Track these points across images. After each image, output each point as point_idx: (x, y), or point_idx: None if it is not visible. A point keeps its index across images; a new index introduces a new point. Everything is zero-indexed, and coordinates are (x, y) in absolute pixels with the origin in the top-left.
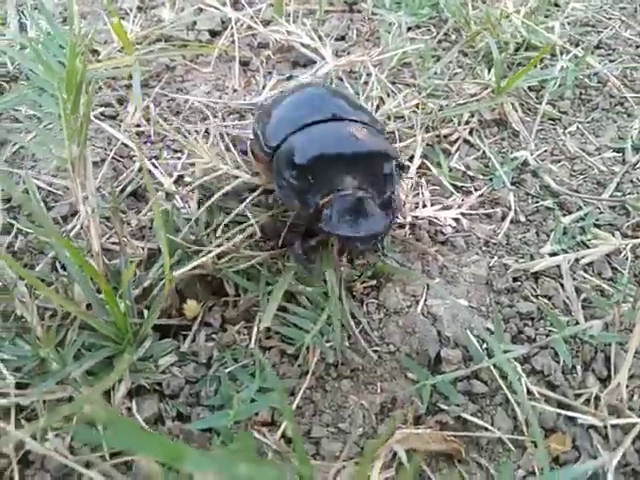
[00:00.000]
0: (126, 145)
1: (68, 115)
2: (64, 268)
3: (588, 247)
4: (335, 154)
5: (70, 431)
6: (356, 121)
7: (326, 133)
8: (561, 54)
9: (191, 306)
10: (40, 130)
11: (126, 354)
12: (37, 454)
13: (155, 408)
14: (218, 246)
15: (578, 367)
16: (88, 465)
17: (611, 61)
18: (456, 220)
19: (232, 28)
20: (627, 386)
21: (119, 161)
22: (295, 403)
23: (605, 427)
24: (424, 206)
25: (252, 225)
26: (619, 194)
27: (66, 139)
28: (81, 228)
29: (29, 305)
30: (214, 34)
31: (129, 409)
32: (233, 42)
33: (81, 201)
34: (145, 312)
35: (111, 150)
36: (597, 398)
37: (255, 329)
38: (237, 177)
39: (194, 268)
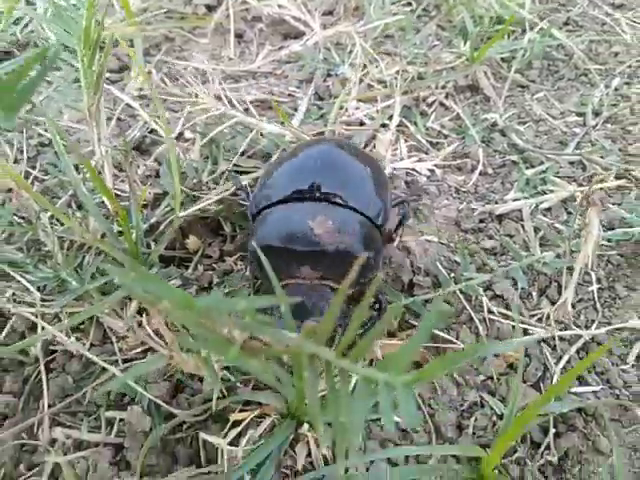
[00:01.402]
0: (130, 106)
1: (86, 68)
2: (80, 208)
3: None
4: (287, 248)
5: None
6: (335, 202)
7: (286, 219)
8: (531, 28)
9: (193, 241)
10: (51, 91)
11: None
12: (59, 361)
13: (161, 363)
14: (219, 193)
15: (534, 293)
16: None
17: (578, 36)
18: (431, 171)
19: (227, 2)
20: (574, 306)
21: (123, 120)
22: None
23: (553, 338)
24: (401, 159)
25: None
26: (578, 152)
27: (84, 88)
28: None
29: (50, 235)
30: (210, 8)
31: (140, 323)
32: (228, 16)
33: (96, 142)
34: (152, 245)
35: (116, 110)
36: (548, 317)
37: None
38: (234, 116)
39: (197, 210)
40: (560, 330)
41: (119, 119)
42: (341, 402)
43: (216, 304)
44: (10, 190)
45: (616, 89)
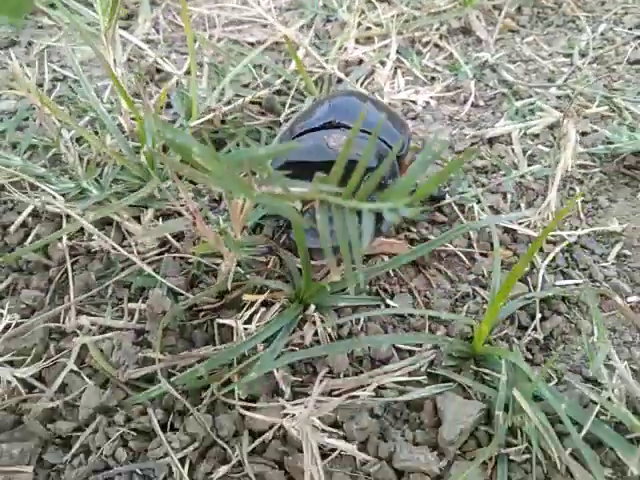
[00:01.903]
0: (139, 47)
1: None
2: (96, 133)
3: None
4: (301, 161)
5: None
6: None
7: (305, 140)
8: None
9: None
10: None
11: (152, 181)
12: (81, 262)
13: (181, 226)
14: (227, 103)
15: (522, 205)
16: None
17: None
18: (426, 102)
19: None
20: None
21: (132, 61)
22: None
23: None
24: (399, 91)
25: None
26: (565, 84)
27: (100, 14)
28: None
29: (71, 149)
30: None
31: (156, 226)
32: None
33: (113, 64)
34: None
35: (125, 51)
36: (536, 225)
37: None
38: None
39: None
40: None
41: (129, 59)
42: (348, 230)
43: (237, 154)
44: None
45: (602, 34)
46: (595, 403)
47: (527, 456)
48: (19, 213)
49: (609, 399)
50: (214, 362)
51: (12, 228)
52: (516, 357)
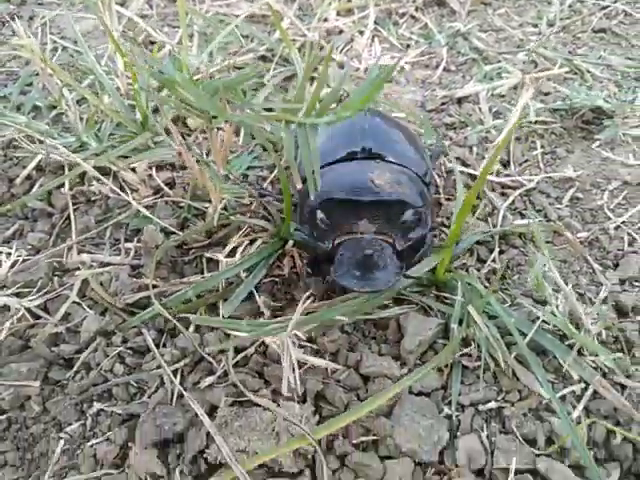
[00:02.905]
0: (134, 21)
1: None
2: (95, 95)
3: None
4: (347, 199)
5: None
6: (387, 160)
7: (345, 174)
8: None
9: (193, 122)
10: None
11: (146, 132)
12: (82, 209)
13: (169, 175)
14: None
15: (487, 156)
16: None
17: None
18: (401, 67)
19: None
20: (521, 165)
21: (127, 33)
22: None
23: (502, 186)
24: (376, 57)
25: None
26: (531, 50)
27: None
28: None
29: (72, 108)
30: None
31: (150, 175)
32: None
33: (109, 29)
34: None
35: (120, 24)
36: (498, 172)
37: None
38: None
39: None
40: (508, 179)
41: (123, 31)
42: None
43: (214, 82)
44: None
45: (570, 5)
46: (539, 319)
47: (478, 363)
48: (24, 167)
49: (552, 313)
50: (201, 287)
51: (18, 180)
52: (471, 279)
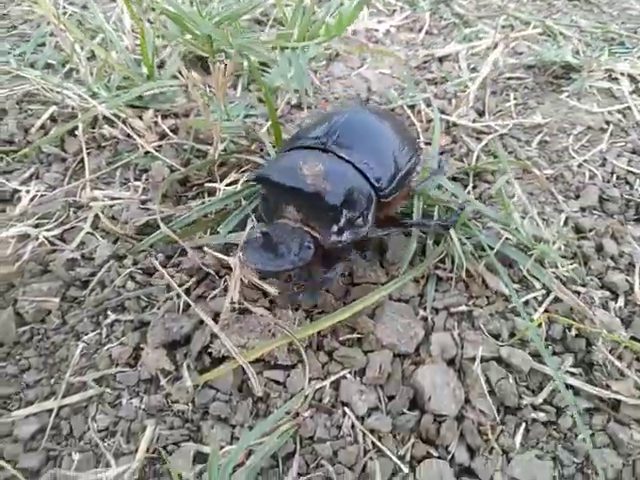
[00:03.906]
0: None
1: None
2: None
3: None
4: (275, 182)
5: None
6: (338, 155)
7: (289, 160)
8: None
9: (195, 76)
10: None
11: (151, 82)
12: (93, 153)
13: (173, 122)
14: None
15: (464, 107)
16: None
17: None
18: (387, 30)
19: None
20: (495, 114)
21: None
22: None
23: (476, 131)
24: (363, 20)
25: None
26: (507, 13)
27: None
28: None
29: (83, 62)
30: None
31: (155, 122)
32: None
33: None
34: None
35: None
36: (474, 120)
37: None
38: None
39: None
40: (482, 124)
41: None
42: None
43: (218, 13)
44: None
45: None
46: (505, 236)
47: (451, 274)
48: (38, 118)
49: (517, 229)
50: (203, 210)
51: (33, 130)
52: (448, 204)
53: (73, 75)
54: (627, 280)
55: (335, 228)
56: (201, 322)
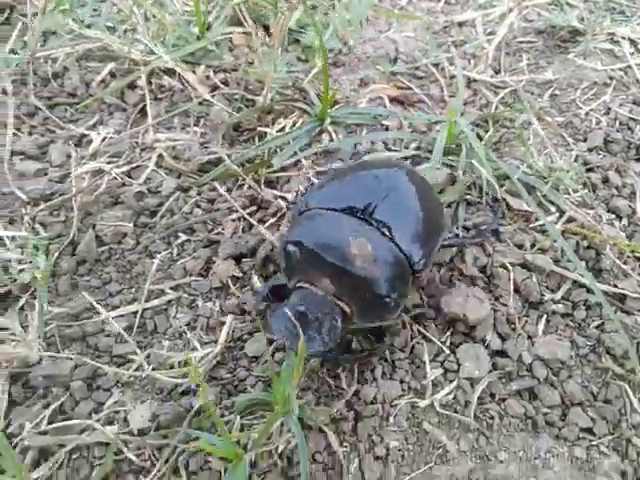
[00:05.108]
0: None
1: None
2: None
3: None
4: (318, 253)
5: None
6: (381, 231)
7: (330, 225)
8: None
9: (237, 36)
10: None
11: (203, 40)
12: (152, 104)
13: (223, 76)
14: None
15: (482, 64)
16: None
17: None
18: (409, 0)
19: None
20: (507, 72)
21: None
22: None
23: (493, 85)
24: None
25: None
26: None
27: None
28: None
29: (141, 21)
30: None
31: (207, 76)
32: None
33: None
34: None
35: None
36: (492, 76)
37: None
38: None
39: None
40: (499, 80)
41: None
42: None
43: None
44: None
45: None
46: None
47: (479, 199)
48: (98, 73)
49: (535, 163)
50: (260, 148)
51: (94, 84)
52: (473, 141)
53: (129, 36)
54: (629, 205)
55: (371, 312)
56: (263, 240)
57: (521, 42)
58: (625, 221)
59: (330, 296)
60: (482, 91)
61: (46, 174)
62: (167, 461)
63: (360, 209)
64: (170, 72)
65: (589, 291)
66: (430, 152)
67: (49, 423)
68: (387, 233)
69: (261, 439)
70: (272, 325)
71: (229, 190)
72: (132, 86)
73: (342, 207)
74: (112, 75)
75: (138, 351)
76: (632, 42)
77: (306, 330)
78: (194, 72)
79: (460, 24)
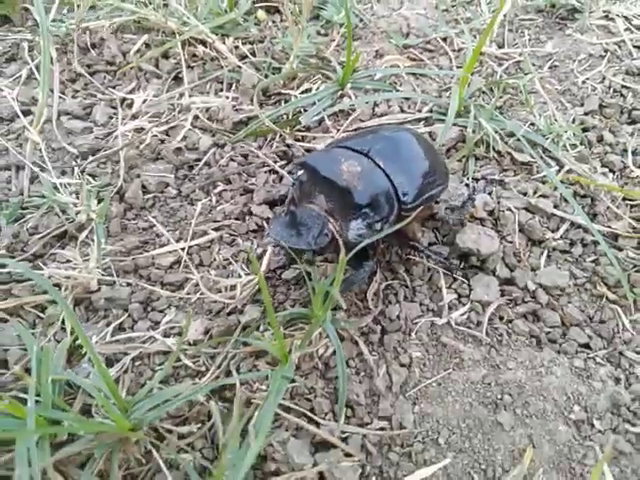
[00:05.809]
0: None
1: None
2: None
3: None
4: (314, 169)
5: None
6: (377, 164)
7: (335, 154)
8: None
9: (261, 14)
10: None
11: (232, 13)
12: (186, 69)
13: (251, 46)
14: None
15: (489, 39)
16: None
17: None
18: None
19: None
20: (512, 46)
21: None
22: None
23: (496, 57)
24: None
25: None
26: None
27: None
28: None
29: None
30: None
31: (236, 47)
32: None
33: None
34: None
35: None
36: (496, 50)
37: None
38: None
39: None
40: (502, 52)
41: None
42: None
43: None
44: None
45: None
46: (527, 124)
47: (487, 154)
48: (134, 44)
49: (537, 120)
50: (287, 107)
51: (131, 53)
52: (481, 102)
53: (162, 9)
54: (622, 161)
55: (354, 225)
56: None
57: (522, 20)
58: (618, 174)
59: (323, 212)
60: (488, 62)
61: (91, 132)
62: (220, 366)
63: (366, 149)
64: (202, 43)
65: (585, 231)
66: (442, 114)
67: (112, 337)
68: (381, 165)
69: (304, 343)
70: (270, 226)
71: (259, 147)
72: (165, 56)
73: (351, 146)
74: (147, 46)
75: (195, 271)
76: (626, 19)
77: (297, 230)
78: (224, 42)
79: (467, 2)
